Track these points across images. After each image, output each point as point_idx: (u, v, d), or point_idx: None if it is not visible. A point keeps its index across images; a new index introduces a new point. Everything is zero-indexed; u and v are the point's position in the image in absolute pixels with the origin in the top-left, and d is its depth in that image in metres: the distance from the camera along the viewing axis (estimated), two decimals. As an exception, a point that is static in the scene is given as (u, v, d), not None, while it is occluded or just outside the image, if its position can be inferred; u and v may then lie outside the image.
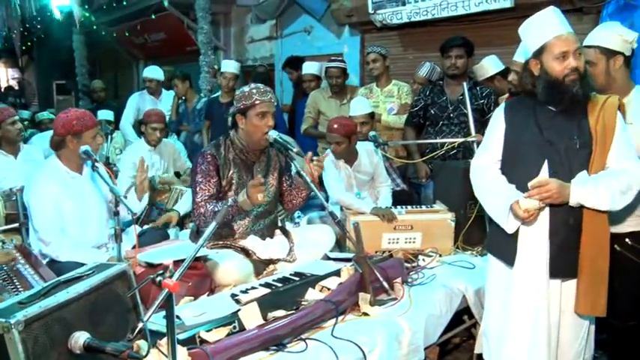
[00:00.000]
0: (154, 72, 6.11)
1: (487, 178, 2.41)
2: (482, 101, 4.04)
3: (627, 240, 2.57)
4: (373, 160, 3.85)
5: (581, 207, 2.18)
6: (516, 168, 2.33)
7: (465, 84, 3.68)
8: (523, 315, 2.32)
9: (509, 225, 2.29)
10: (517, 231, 2.31)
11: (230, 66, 5.69)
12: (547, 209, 2.23)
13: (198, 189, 2.91)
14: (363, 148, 3.82)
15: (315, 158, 2.94)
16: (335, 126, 3.62)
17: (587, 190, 2.15)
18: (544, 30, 2.25)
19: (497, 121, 2.42)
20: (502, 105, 2.51)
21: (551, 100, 2.26)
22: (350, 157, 3.77)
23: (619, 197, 2.16)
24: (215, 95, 5.98)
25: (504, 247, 2.38)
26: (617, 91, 2.55)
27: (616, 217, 2.40)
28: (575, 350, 2.34)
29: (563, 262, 2.24)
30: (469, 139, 3.46)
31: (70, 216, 2.97)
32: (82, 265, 2.52)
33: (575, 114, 2.22)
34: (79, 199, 3.02)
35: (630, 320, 2.72)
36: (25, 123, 6.42)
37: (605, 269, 2.21)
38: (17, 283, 2.52)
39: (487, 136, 2.51)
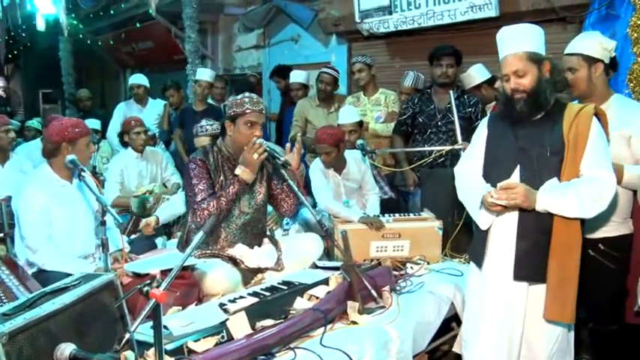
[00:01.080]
0: (140, 79, 6.11)
1: (468, 181, 2.48)
2: (469, 109, 4.07)
3: (600, 245, 2.62)
4: (361, 168, 3.87)
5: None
6: (492, 174, 2.39)
7: (451, 92, 3.71)
8: (490, 317, 2.37)
9: (481, 220, 2.35)
10: (487, 233, 2.37)
11: (205, 74, 5.71)
12: (516, 214, 2.28)
13: (197, 190, 2.89)
14: (352, 156, 3.83)
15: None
16: (323, 136, 3.63)
17: (554, 198, 2.18)
18: (499, 50, 2.34)
19: (481, 130, 2.51)
20: (488, 115, 2.58)
21: (503, 113, 2.38)
22: (339, 165, 3.78)
23: (590, 205, 2.17)
24: (188, 103, 5.98)
25: (477, 250, 2.45)
26: (597, 98, 2.61)
27: (588, 223, 2.42)
28: (547, 355, 2.34)
29: (529, 266, 2.27)
30: (456, 146, 3.49)
31: (58, 224, 2.95)
32: (69, 275, 2.52)
33: (550, 122, 2.27)
34: (68, 208, 3.00)
35: (612, 324, 2.76)
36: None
37: (574, 276, 2.21)
38: (1, 295, 2.49)
39: (471, 145, 2.59)
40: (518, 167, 2.30)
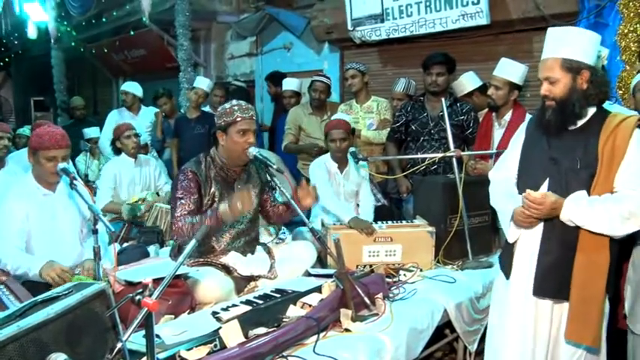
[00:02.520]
0: (130, 86, 6.11)
1: (501, 190, 2.42)
2: (462, 117, 4.09)
3: None
4: (361, 172, 3.91)
5: (578, 228, 2.13)
6: (522, 183, 2.34)
7: (443, 100, 3.73)
8: (513, 330, 2.34)
9: (509, 233, 2.32)
10: (514, 245, 2.34)
11: (203, 83, 5.76)
12: (541, 227, 2.23)
13: (178, 204, 2.88)
14: (352, 160, 3.86)
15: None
16: (342, 122, 3.78)
17: (581, 208, 2.10)
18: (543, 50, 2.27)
19: (519, 134, 2.44)
20: (528, 117, 2.51)
21: (538, 120, 2.30)
22: (343, 161, 3.84)
23: (619, 223, 2.06)
24: (181, 113, 6.00)
25: (505, 260, 2.42)
26: None
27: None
28: None
29: (551, 282, 2.21)
30: (448, 154, 3.50)
31: (38, 234, 2.91)
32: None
33: (587, 133, 2.17)
34: (48, 218, 2.95)
35: None
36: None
37: (600, 297, 2.12)
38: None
39: (508, 149, 2.52)
40: (547, 180, 2.22)
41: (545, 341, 2.27)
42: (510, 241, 2.33)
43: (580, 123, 2.20)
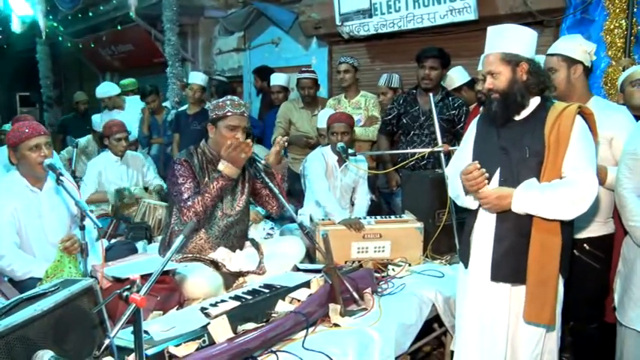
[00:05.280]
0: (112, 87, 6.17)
1: (454, 177, 2.46)
2: (453, 112, 4.08)
3: (585, 245, 2.66)
4: (359, 172, 3.90)
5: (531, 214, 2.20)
6: None
7: (431, 95, 3.73)
8: (473, 318, 2.39)
9: (467, 200, 2.37)
10: (471, 234, 2.39)
11: (197, 78, 5.74)
12: (494, 215, 2.29)
13: (183, 189, 2.88)
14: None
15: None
16: (343, 117, 3.77)
17: (531, 198, 2.16)
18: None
19: (471, 129, 2.51)
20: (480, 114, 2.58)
21: (486, 114, 2.39)
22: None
23: (569, 207, 2.14)
24: (182, 108, 5.97)
25: (463, 250, 2.48)
26: (577, 99, 2.65)
27: (574, 224, 2.46)
28: (530, 356, 2.33)
29: (507, 267, 2.28)
30: (436, 149, 3.51)
31: (25, 231, 2.88)
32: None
33: (534, 123, 2.26)
34: (36, 215, 2.92)
35: (592, 322, 2.80)
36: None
37: (554, 278, 2.20)
38: (-23, 302, 2.44)
39: (461, 145, 2.59)
40: (498, 169, 2.29)
41: (504, 325, 2.33)
42: (474, 207, 2.37)
43: (525, 113, 2.30)
